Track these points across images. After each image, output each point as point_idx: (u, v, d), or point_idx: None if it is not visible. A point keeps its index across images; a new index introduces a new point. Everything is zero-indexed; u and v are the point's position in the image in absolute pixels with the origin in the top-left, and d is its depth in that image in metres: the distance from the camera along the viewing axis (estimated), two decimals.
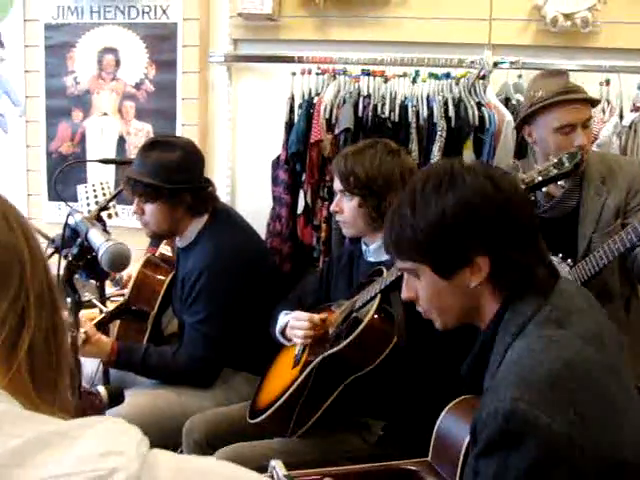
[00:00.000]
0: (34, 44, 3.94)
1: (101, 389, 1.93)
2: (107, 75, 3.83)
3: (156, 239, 3.10)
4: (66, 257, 1.85)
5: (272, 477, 1.65)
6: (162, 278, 3.01)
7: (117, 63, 3.81)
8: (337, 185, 2.52)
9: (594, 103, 2.67)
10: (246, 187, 3.76)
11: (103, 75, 3.84)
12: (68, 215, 1.96)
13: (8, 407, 0.85)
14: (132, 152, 3.80)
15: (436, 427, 1.88)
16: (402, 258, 1.59)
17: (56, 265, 1.90)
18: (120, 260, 1.70)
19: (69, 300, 1.82)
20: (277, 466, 1.66)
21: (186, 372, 2.73)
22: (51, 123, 3.97)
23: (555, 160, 2.07)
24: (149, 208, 2.71)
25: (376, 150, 2.45)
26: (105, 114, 3.87)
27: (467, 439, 1.70)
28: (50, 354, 0.93)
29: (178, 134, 3.70)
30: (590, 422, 1.27)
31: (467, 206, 1.46)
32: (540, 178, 2.06)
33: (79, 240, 1.83)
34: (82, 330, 2.49)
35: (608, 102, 3.13)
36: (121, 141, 3.87)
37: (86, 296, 2.40)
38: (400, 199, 1.58)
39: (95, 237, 1.74)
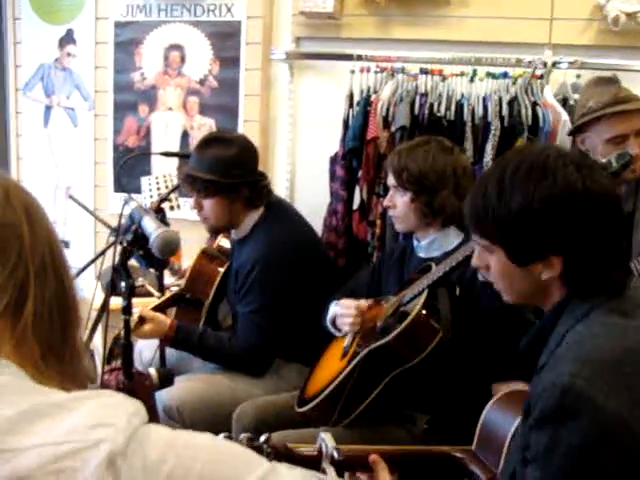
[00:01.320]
0: (104, 41, 4.07)
1: (152, 371, 2.01)
2: (173, 71, 3.93)
3: (215, 232, 3.19)
4: (121, 243, 1.93)
5: (321, 449, 1.65)
6: (217, 269, 3.10)
7: (182, 59, 3.91)
8: (391, 181, 2.56)
9: None
10: (305, 182, 3.82)
11: (169, 71, 3.94)
12: (124, 204, 2.04)
13: (11, 379, 0.91)
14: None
15: (482, 418, 1.90)
16: (479, 235, 1.59)
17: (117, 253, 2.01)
18: (169, 246, 1.78)
19: (123, 285, 1.90)
20: (326, 438, 1.66)
21: (240, 358, 2.81)
22: (118, 117, 4.10)
23: (604, 161, 2.08)
24: (208, 203, 2.80)
25: (430, 147, 2.48)
26: (170, 109, 3.97)
27: (512, 431, 1.73)
28: (55, 325, 0.99)
29: (240, 130, 3.79)
30: None
31: (552, 204, 1.44)
32: None
33: (133, 227, 1.91)
34: (135, 311, 2.60)
35: None
36: (185, 135, 3.97)
37: (139, 281, 2.48)
38: (488, 176, 1.57)
39: (148, 224, 1.81)
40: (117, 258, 1.93)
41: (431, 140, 2.54)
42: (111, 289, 1.97)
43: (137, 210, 1.88)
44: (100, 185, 4.21)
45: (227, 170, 2.75)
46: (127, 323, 1.95)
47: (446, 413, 2.42)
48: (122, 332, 1.99)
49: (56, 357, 0.98)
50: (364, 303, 2.54)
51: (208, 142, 2.83)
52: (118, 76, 4.05)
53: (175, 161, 3.93)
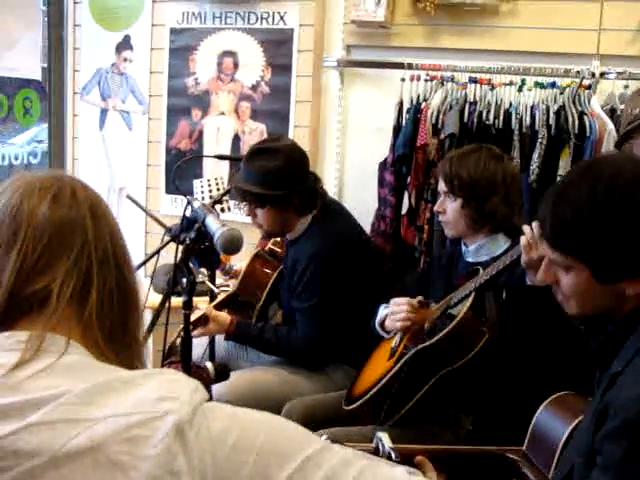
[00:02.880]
0: (159, 47, 4.19)
1: (209, 365, 2.09)
2: (226, 77, 4.04)
3: (270, 237, 3.26)
4: (183, 242, 2.02)
5: (377, 448, 1.69)
6: (270, 272, 3.18)
7: (235, 66, 4.01)
8: (442, 186, 2.60)
9: None
10: (353, 188, 3.89)
11: (222, 77, 4.04)
12: (187, 204, 2.13)
13: (81, 358, 0.99)
14: (246, 150, 3.99)
15: (534, 419, 1.95)
16: (559, 249, 1.52)
17: (173, 251, 2.09)
18: (233, 244, 1.85)
19: (184, 281, 1.99)
20: (383, 438, 1.69)
21: (300, 351, 2.89)
22: (171, 121, 4.21)
23: None
24: (260, 212, 2.87)
25: (481, 154, 2.53)
26: (222, 113, 4.07)
27: (566, 434, 1.79)
28: (116, 313, 1.07)
29: (290, 135, 3.88)
30: None
31: None
32: None
33: (196, 225, 1.99)
34: (203, 308, 2.74)
35: None
36: (236, 139, 4.07)
37: (200, 278, 2.57)
38: (575, 189, 1.48)
39: (212, 223, 1.89)
40: (179, 255, 2.01)
41: (482, 148, 2.59)
42: (173, 286, 2.05)
43: (201, 209, 1.96)
44: (152, 187, 4.32)
45: (274, 182, 2.79)
46: (187, 318, 2.04)
47: (490, 415, 2.47)
48: (181, 327, 2.08)
49: (116, 344, 1.06)
50: (415, 300, 2.60)
51: (255, 153, 2.87)
52: (172, 81, 4.17)
53: (226, 165, 4.04)
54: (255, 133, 4.01)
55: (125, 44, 4.28)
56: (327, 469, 0.95)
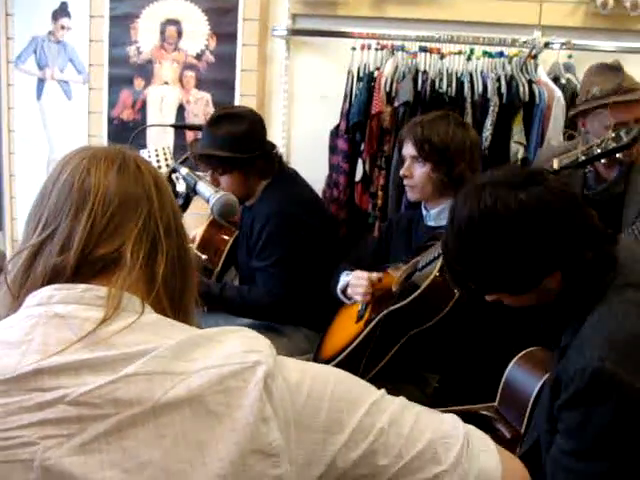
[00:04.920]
0: (99, 14, 4.08)
1: None
2: (169, 46, 3.99)
3: None
4: None
5: None
6: (226, 238, 3.20)
7: (179, 34, 3.97)
8: (410, 151, 2.65)
9: None
10: (300, 156, 3.91)
11: (165, 45, 3.99)
12: (171, 171, 2.12)
13: (159, 317, 1.04)
14: (191, 119, 3.98)
15: (505, 375, 2.03)
16: (481, 291, 1.72)
17: None
18: (231, 209, 1.87)
19: None
20: None
21: (262, 305, 2.88)
22: (113, 91, 4.12)
23: (613, 134, 2.19)
24: (224, 179, 2.88)
25: (449, 121, 2.61)
26: (166, 83, 4.03)
27: (535, 391, 1.87)
28: (178, 280, 1.11)
29: (236, 104, 3.87)
30: None
31: (519, 242, 1.54)
32: (599, 150, 2.18)
33: (184, 192, 2.00)
34: None
35: None
36: (181, 109, 4.03)
37: None
38: (451, 243, 1.66)
39: (204, 189, 1.90)
40: None
41: (449, 115, 2.67)
42: None
43: (190, 176, 1.96)
44: None
45: (242, 145, 2.83)
46: None
47: (457, 373, 2.55)
48: None
49: (176, 310, 1.11)
50: (375, 276, 2.66)
51: (218, 119, 2.89)
52: (113, 50, 4.07)
53: (171, 134, 4.01)
54: (200, 102, 3.98)
55: (62, 11, 4.16)
56: (390, 413, 1.03)
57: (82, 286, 1.01)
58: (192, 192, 1.96)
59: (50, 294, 1.00)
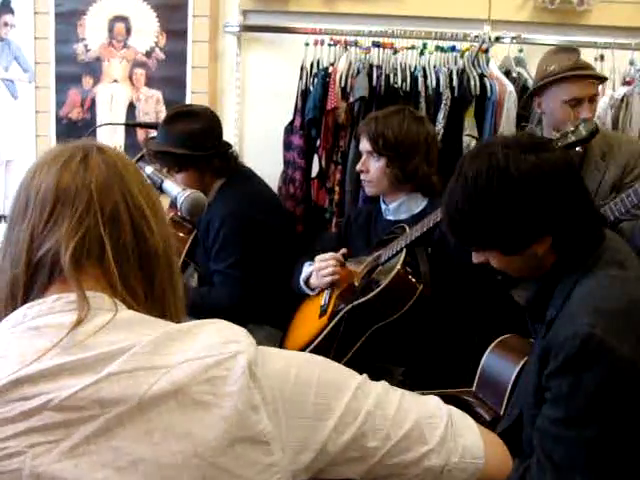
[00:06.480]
0: (43, 11, 4.00)
1: None
2: (118, 43, 3.93)
3: None
4: None
5: None
6: (184, 236, 3.17)
7: (128, 31, 3.91)
8: (365, 146, 2.68)
9: (602, 80, 2.87)
10: (253, 153, 3.88)
11: (114, 43, 3.93)
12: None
13: (133, 313, 1.03)
14: (142, 118, 3.93)
15: (482, 362, 2.06)
16: (471, 248, 1.77)
17: None
18: (199, 206, 1.85)
19: None
20: None
21: (222, 307, 2.83)
22: (61, 89, 4.04)
23: (572, 128, 2.24)
24: (180, 177, 2.85)
25: (404, 115, 2.63)
26: (115, 81, 3.97)
27: (515, 373, 1.91)
28: (139, 271, 1.08)
29: (187, 101, 3.84)
30: None
31: (522, 202, 1.57)
32: (559, 144, 2.23)
33: None
34: None
35: None
36: (131, 107, 3.97)
37: None
38: (454, 191, 1.68)
39: (171, 187, 1.87)
40: None
41: (404, 109, 2.69)
42: None
43: (155, 174, 1.94)
44: None
45: (198, 143, 2.83)
46: None
47: (421, 365, 2.57)
48: None
49: (147, 303, 1.09)
50: (339, 254, 2.68)
51: (174, 117, 2.88)
52: (60, 47, 3.99)
53: (121, 134, 3.95)
54: (151, 101, 3.93)
55: (4, 7, 4.05)
56: (375, 396, 1.08)
57: (51, 297, 1.00)
58: (158, 191, 1.93)
59: (24, 313, 0.99)
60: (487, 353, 2.07)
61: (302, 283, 2.78)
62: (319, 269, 2.69)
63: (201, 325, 1.02)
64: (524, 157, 1.59)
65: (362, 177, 2.75)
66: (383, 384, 1.12)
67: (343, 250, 2.71)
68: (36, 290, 1.03)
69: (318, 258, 2.72)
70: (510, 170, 1.58)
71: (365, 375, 1.11)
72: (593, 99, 2.75)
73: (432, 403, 1.15)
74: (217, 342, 0.98)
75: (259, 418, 0.94)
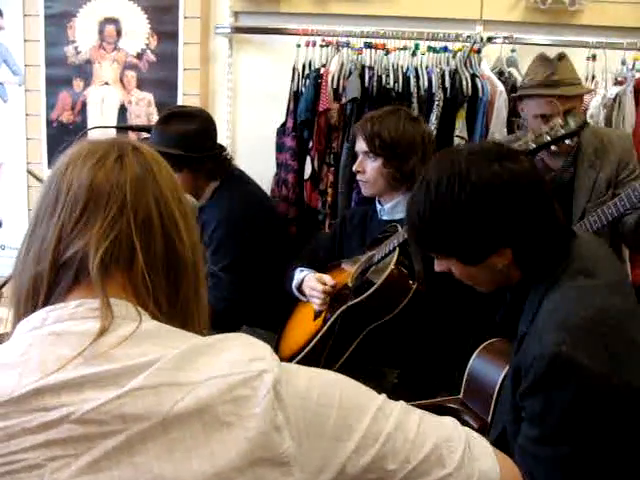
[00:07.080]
0: (33, 13, 3.97)
1: None
2: (108, 45, 3.91)
3: None
4: None
5: None
6: None
7: (118, 33, 3.89)
8: (361, 147, 2.66)
9: (575, 97, 2.82)
10: (246, 155, 3.86)
11: (104, 45, 3.91)
12: None
13: (158, 324, 1.00)
14: (133, 120, 3.91)
15: (468, 367, 2.04)
16: (431, 253, 1.76)
17: None
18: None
19: None
20: None
21: (215, 310, 2.78)
22: (51, 92, 4.01)
23: (561, 121, 2.23)
24: None
25: (400, 116, 2.62)
26: (106, 83, 3.95)
27: (500, 379, 1.88)
28: (167, 280, 1.05)
29: (179, 103, 3.82)
30: (622, 364, 1.43)
31: (481, 206, 1.55)
32: (549, 138, 2.21)
33: None
34: None
35: (594, 77, 3.35)
36: (122, 110, 3.96)
37: None
38: (416, 198, 1.66)
39: None
40: None
41: (400, 109, 2.68)
42: None
43: None
44: (33, 162, 4.12)
45: (192, 144, 2.82)
46: None
47: (415, 368, 2.56)
48: None
49: (171, 315, 1.06)
50: (328, 286, 2.63)
51: (169, 118, 2.87)
52: (50, 50, 3.96)
53: (112, 136, 3.92)
54: (142, 103, 3.92)
55: None
56: (394, 418, 1.03)
57: (74, 302, 0.97)
58: None
59: (44, 317, 0.96)
60: (473, 358, 2.05)
61: (294, 289, 2.77)
62: (310, 296, 2.68)
63: (225, 340, 0.98)
64: (487, 165, 1.57)
65: (358, 177, 2.74)
66: (402, 404, 1.07)
67: (333, 282, 2.67)
68: (58, 291, 1.00)
69: (308, 285, 2.70)
70: (471, 177, 1.56)
71: (384, 395, 1.08)
72: (570, 111, 2.70)
73: (450, 425, 1.11)
74: (242, 359, 0.95)
75: (282, 439, 0.91)
